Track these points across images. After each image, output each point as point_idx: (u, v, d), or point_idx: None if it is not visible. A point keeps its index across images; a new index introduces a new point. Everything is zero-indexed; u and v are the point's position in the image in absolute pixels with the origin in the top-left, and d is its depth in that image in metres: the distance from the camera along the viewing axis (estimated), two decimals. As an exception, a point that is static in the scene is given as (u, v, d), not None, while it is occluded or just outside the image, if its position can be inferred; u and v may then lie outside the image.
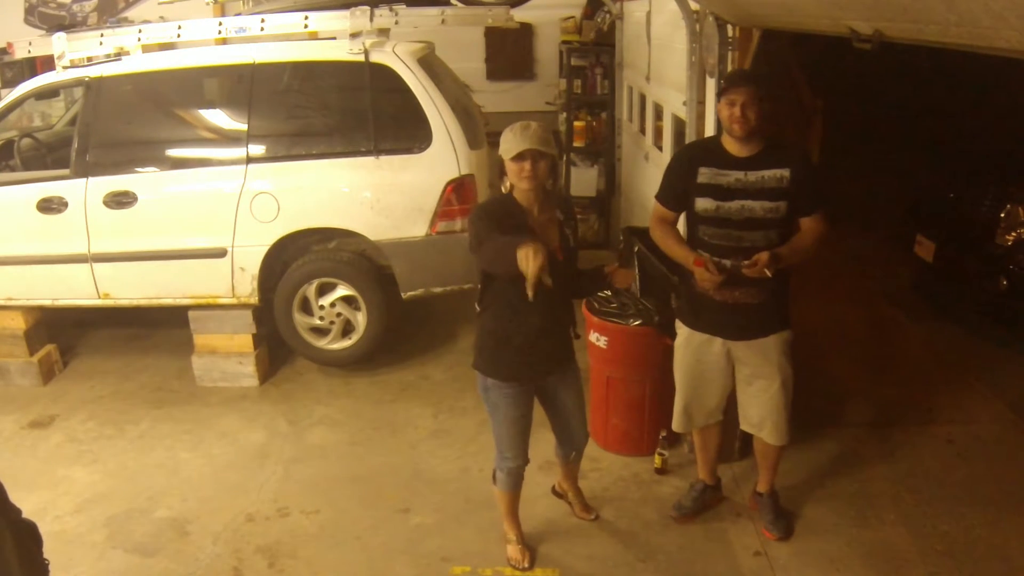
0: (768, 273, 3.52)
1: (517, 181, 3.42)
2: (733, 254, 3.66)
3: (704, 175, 3.73)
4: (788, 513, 4.27)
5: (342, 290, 5.81)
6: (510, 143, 3.38)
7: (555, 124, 9.26)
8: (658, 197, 3.95)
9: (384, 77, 5.59)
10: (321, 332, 5.93)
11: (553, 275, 3.10)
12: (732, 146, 3.70)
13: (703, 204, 3.74)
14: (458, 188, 5.58)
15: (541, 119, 9.32)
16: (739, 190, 3.67)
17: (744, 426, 4.10)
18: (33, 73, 7.91)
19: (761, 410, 3.95)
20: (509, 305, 3.52)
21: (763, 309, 3.77)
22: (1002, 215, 5.77)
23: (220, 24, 5.99)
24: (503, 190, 3.52)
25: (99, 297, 5.90)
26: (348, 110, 5.88)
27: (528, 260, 2.96)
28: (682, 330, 4.02)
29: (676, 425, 4.19)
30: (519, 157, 3.36)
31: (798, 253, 3.69)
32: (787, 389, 3.89)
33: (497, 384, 3.69)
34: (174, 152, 5.89)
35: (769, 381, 3.88)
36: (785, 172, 3.63)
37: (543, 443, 4.17)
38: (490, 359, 3.69)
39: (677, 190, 3.85)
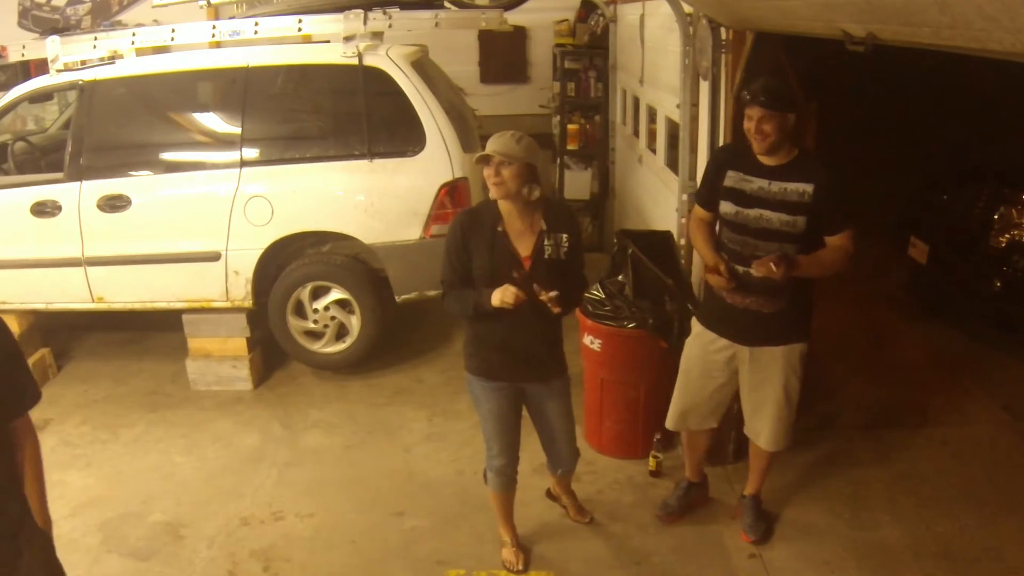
0: (775, 270, 3.44)
1: (488, 187, 3.48)
2: (747, 261, 3.64)
3: (731, 179, 3.73)
4: (769, 517, 4.27)
5: (336, 293, 5.80)
6: (491, 142, 3.46)
7: (548, 127, 9.28)
8: (695, 195, 4.04)
9: (378, 80, 5.59)
10: (315, 335, 5.92)
11: (522, 285, 3.44)
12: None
13: (725, 207, 3.75)
14: (452, 191, 5.58)
15: (534, 122, 9.39)
16: (760, 198, 3.64)
17: (745, 430, 4.09)
18: (27, 77, 7.90)
19: (760, 417, 3.95)
20: (481, 271, 3.58)
21: (776, 319, 3.73)
22: (995, 217, 5.78)
23: (214, 27, 5.99)
24: (492, 196, 3.57)
25: (93, 301, 5.88)
26: (342, 113, 5.88)
27: (506, 301, 3.39)
28: (696, 326, 4.04)
29: (670, 423, 4.19)
30: (482, 160, 3.44)
31: (817, 266, 3.62)
32: (790, 400, 3.86)
33: (478, 379, 3.77)
34: (168, 156, 5.89)
35: (771, 390, 3.85)
36: (808, 187, 3.55)
37: (537, 446, 4.17)
38: (471, 356, 3.77)
39: (708, 190, 3.87)
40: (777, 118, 3.50)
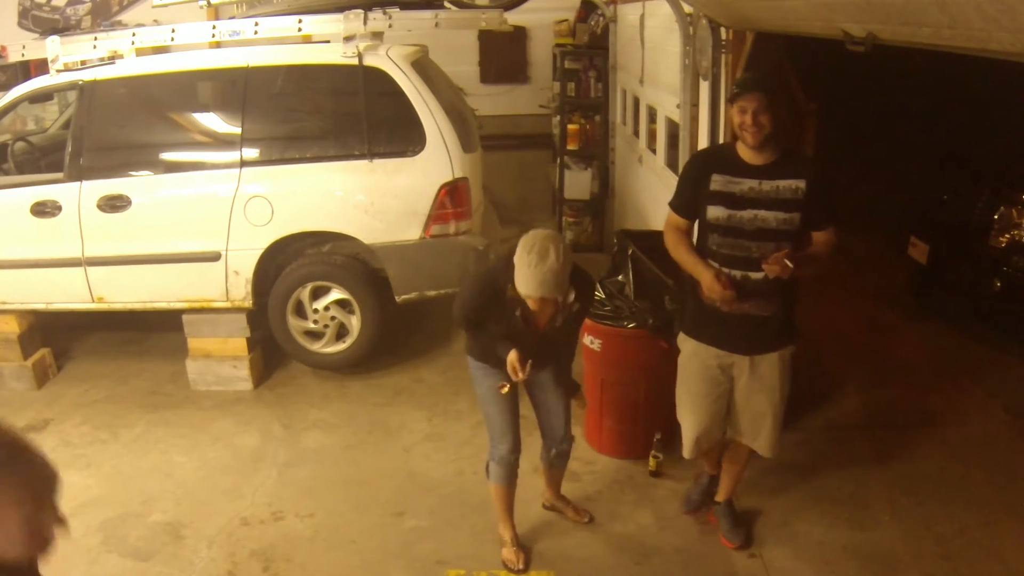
0: (790, 265, 3.37)
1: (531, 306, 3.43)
2: (743, 265, 3.56)
3: (717, 182, 3.58)
4: (746, 520, 4.25)
5: (336, 293, 5.80)
6: (527, 282, 3.33)
7: (548, 127, 9.30)
8: (671, 204, 3.80)
9: (378, 80, 5.58)
10: (315, 336, 5.91)
11: (541, 341, 3.61)
12: (747, 153, 3.55)
13: (714, 212, 3.59)
14: (452, 191, 5.58)
15: (534, 122, 9.38)
16: (752, 199, 3.53)
17: (733, 434, 3.94)
18: (27, 77, 7.89)
19: (758, 423, 3.83)
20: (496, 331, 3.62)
21: (772, 322, 3.65)
22: (995, 217, 5.78)
23: (214, 28, 5.99)
24: (510, 293, 3.48)
25: (93, 301, 5.88)
26: (342, 113, 5.88)
27: (515, 370, 3.53)
28: (687, 343, 3.87)
29: (688, 452, 4.02)
30: (539, 301, 3.38)
31: (813, 262, 3.59)
32: (784, 402, 3.81)
33: (481, 363, 3.82)
34: (168, 156, 5.89)
35: (772, 394, 3.75)
36: (801, 183, 3.49)
37: (537, 444, 4.18)
38: (476, 348, 3.81)
39: (690, 197, 3.70)
40: (773, 108, 3.43)
